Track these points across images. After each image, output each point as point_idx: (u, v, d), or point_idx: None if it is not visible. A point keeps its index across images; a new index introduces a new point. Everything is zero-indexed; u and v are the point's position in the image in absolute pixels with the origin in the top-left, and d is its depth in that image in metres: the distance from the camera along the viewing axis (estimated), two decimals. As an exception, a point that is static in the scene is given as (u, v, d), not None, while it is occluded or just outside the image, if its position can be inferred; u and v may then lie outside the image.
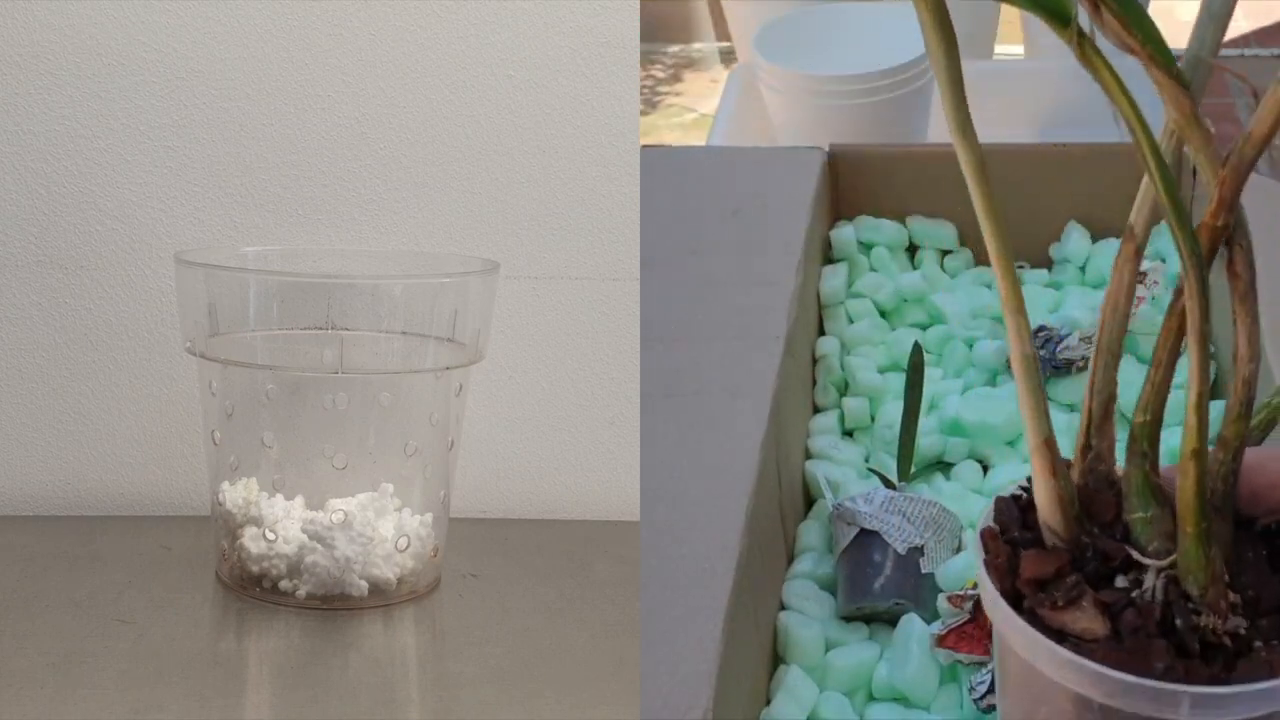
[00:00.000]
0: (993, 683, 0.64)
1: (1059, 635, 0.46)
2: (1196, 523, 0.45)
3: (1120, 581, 0.47)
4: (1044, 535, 0.49)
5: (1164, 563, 0.46)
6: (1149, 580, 0.46)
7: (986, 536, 0.49)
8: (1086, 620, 0.46)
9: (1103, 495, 0.48)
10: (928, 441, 0.83)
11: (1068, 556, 0.47)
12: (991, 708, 0.64)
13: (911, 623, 0.69)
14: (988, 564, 0.49)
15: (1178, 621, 0.45)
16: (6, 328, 0.88)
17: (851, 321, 0.95)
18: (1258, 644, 0.45)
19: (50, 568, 0.78)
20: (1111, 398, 0.49)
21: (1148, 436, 0.48)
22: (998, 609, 0.47)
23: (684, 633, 0.60)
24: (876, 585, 0.71)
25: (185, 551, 0.81)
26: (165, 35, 0.86)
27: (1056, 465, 0.48)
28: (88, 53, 0.85)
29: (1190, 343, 0.45)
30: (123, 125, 0.86)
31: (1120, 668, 0.44)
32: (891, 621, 0.72)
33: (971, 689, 0.65)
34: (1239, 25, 2.08)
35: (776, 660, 0.70)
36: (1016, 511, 0.50)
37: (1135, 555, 0.47)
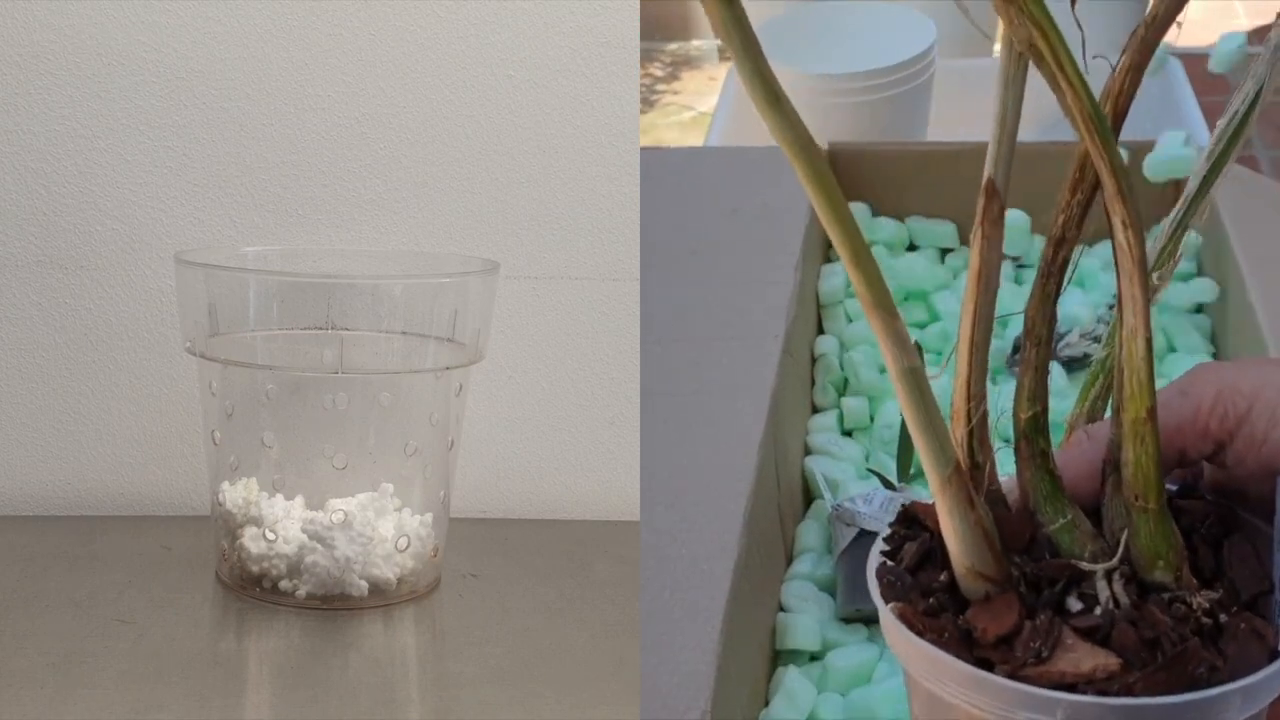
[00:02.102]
0: None
1: (1064, 688, 0.40)
2: (1158, 496, 0.41)
3: (1074, 604, 0.42)
4: (962, 585, 0.43)
5: (1113, 563, 0.42)
6: (1103, 589, 0.41)
7: (909, 616, 0.43)
8: (1091, 659, 0.40)
9: (1009, 517, 0.43)
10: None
11: (1014, 596, 0.42)
12: None
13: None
14: (938, 644, 0.42)
15: (1159, 613, 0.41)
16: (6, 328, 0.88)
17: (851, 321, 0.95)
18: (1223, 617, 0.41)
19: (50, 568, 0.78)
20: (984, 400, 0.43)
21: (1040, 431, 0.42)
22: (1007, 688, 0.40)
23: (684, 633, 0.60)
24: (876, 586, 0.71)
25: (185, 551, 0.81)
26: (165, 35, 0.86)
27: (973, 495, 0.41)
28: (88, 53, 0.85)
29: (1125, 282, 0.39)
30: (123, 125, 0.86)
31: (1167, 689, 0.39)
32: (891, 622, 0.72)
33: None
34: (1240, 24, 2.08)
35: (775, 661, 0.70)
36: (907, 576, 0.44)
37: (1084, 566, 0.42)
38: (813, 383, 0.90)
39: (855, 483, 0.80)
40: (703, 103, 2.12)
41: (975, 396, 0.43)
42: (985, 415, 0.43)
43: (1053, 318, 0.43)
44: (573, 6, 0.89)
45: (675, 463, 0.71)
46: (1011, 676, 0.40)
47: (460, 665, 0.68)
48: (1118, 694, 0.39)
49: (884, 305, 0.38)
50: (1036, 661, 0.40)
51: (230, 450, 0.77)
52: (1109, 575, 0.41)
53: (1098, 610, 0.41)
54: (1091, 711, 0.39)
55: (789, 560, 0.77)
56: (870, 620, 0.72)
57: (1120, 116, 0.41)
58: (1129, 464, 0.41)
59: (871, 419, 0.88)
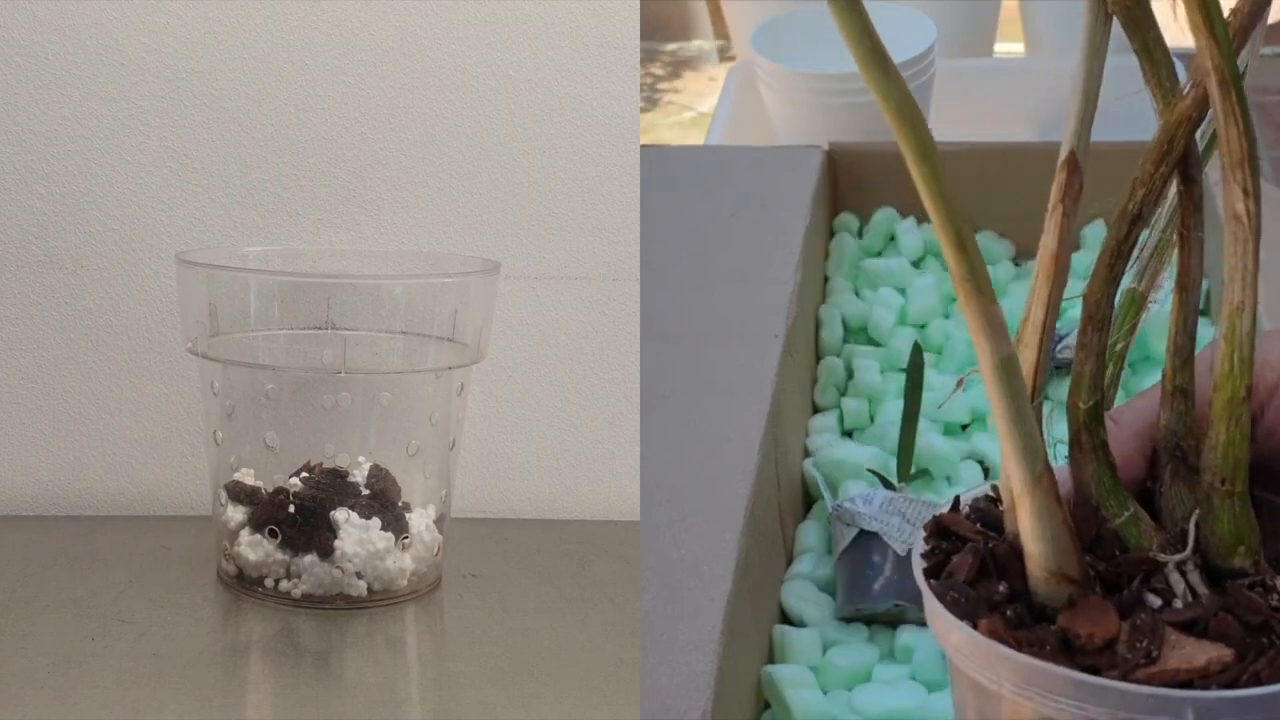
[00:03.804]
0: None
1: (1179, 686, 0.38)
2: (1244, 479, 0.39)
3: (1152, 599, 0.40)
4: (1042, 590, 0.41)
5: (1188, 554, 0.40)
6: (1177, 581, 0.40)
7: (1000, 632, 0.40)
8: (1203, 652, 0.38)
9: (1077, 514, 0.41)
10: (925, 441, 0.83)
11: (1102, 599, 0.40)
12: None
13: (917, 638, 0.69)
14: (1041, 656, 0.40)
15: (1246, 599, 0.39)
16: (6, 328, 0.88)
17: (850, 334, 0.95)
18: None
19: (50, 568, 0.78)
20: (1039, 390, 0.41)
21: (1100, 421, 0.41)
22: (1130, 693, 0.38)
23: (684, 633, 0.60)
24: (876, 586, 0.71)
25: (185, 551, 0.81)
26: (165, 35, 0.86)
27: (1059, 495, 0.40)
28: (88, 53, 0.85)
29: (1239, 253, 0.37)
30: (123, 125, 0.86)
31: None
32: (891, 623, 0.72)
33: None
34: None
35: (776, 660, 0.70)
36: (969, 590, 0.42)
37: (1161, 558, 0.40)
38: (813, 382, 0.90)
39: (855, 483, 0.80)
40: (703, 103, 2.12)
41: (1040, 389, 0.41)
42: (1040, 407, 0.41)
43: (1113, 301, 0.41)
44: (573, 6, 0.89)
45: (675, 463, 0.71)
46: (1124, 680, 0.39)
47: (460, 665, 0.68)
48: (1245, 684, 0.38)
49: (984, 290, 0.37)
50: (1147, 662, 0.38)
51: (231, 450, 0.77)
52: (1181, 566, 0.40)
53: (1177, 603, 0.40)
54: (1222, 706, 0.38)
55: (789, 560, 0.77)
56: (870, 620, 0.72)
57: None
58: (1217, 446, 0.40)
59: (872, 419, 0.88)
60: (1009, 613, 0.41)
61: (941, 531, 0.45)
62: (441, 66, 0.89)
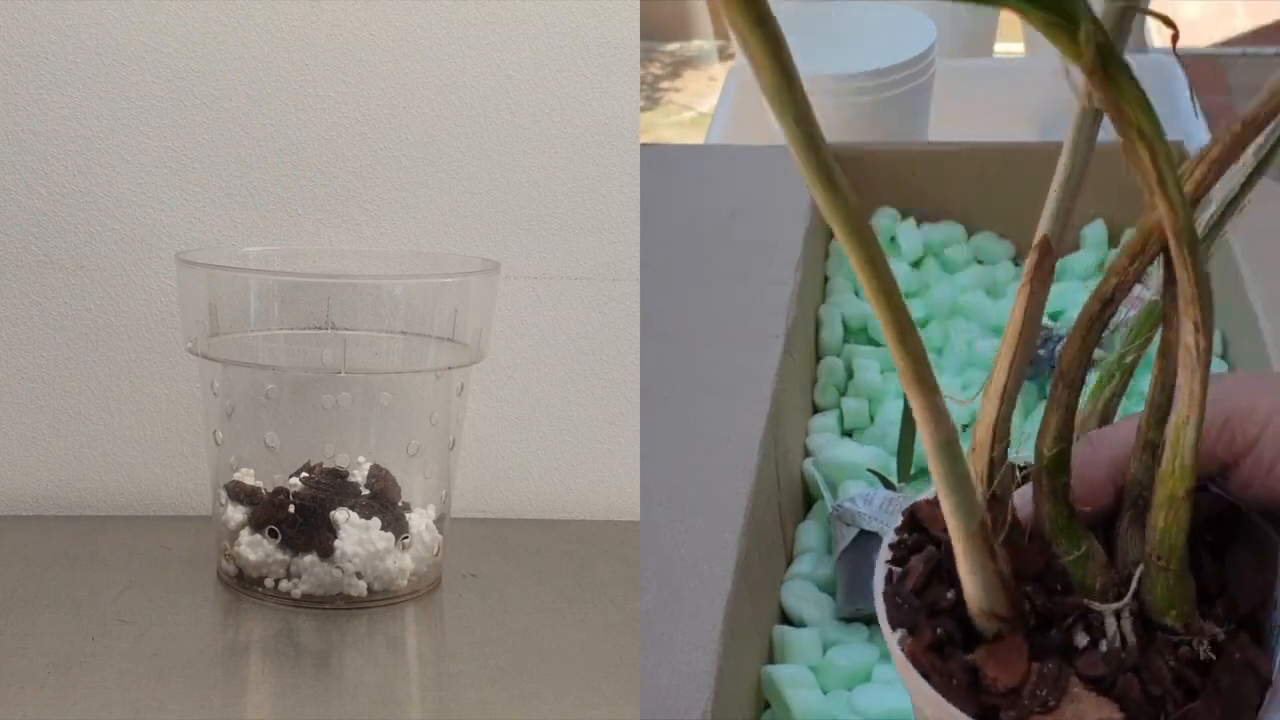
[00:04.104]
0: None
1: None
2: (1180, 561, 0.41)
3: (1081, 638, 0.41)
4: (975, 620, 0.42)
5: (1124, 603, 0.41)
6: (1110, 624, 0.41)
7: (917, 654, 0.42)
8: (1096, 710, 0.40)
9: (1025, 548, 0.42)
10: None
11: (1022, 640, 0.41)
12: None
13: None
14: (943, 689, 0.41)
15: (1167, 657, 0.41)
16: (6, 328, 0.88)
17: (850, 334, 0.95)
18: (1220, 634, 0.41)
19: (50, 568, 0.78)
20: (1008, 440, 0.43)
21: (1062, 467, 0.42)
22: None
23: (684, 633, 0.60)
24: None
25: (185, 551, 0.81)
26: (165, 35, 0.86)
27: (994, 548, 0.41)
28: (88, 53, 0.85)
29: (1186, 377, 0.39)
30: (123, 125, 0.86)
31: None
32: (891, 622, 0.72)
33: None
34: (1240, 24, 2.08)
35: (776, 660, 0.70)
36: (914, 599, 0.44)
37: (1095, 606, 0.41)
38: (813, 382, 0.90)
39: (855, 483, 0.80)
40: (703, 103, 2.12)
41: (1000, 437, 0.42)
42: (1005, 455, 0.42)
43: (1088, 365, 0.42)
44: (573, 6, 0.89)
45: (675, 463, 0.71)
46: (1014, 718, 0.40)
47: (460, 665, 0.68)
48: None
49: (924, 380, 0.38)
50: (1043, 711, 0.40)
51: (231, 450, 0.77)
52: (1117, 614, 0.41)
53: (1103, 645, 0.41)
54: None
55: (789, 560, 0.77)
56: (870, 620, 0.72)
57: (1194, 202, 0.40)
58: (1155, 528, 0.41)
59: (872, 419, 0.88)
60: (939, 630, 0.42)
61: (914, 524, 0.46)
62: (441, 66, 0.89)
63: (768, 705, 0.68)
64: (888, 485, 0.79)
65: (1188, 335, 0.39)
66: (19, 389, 0.88)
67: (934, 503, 0.44)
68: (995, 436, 0.42)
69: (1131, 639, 0.41)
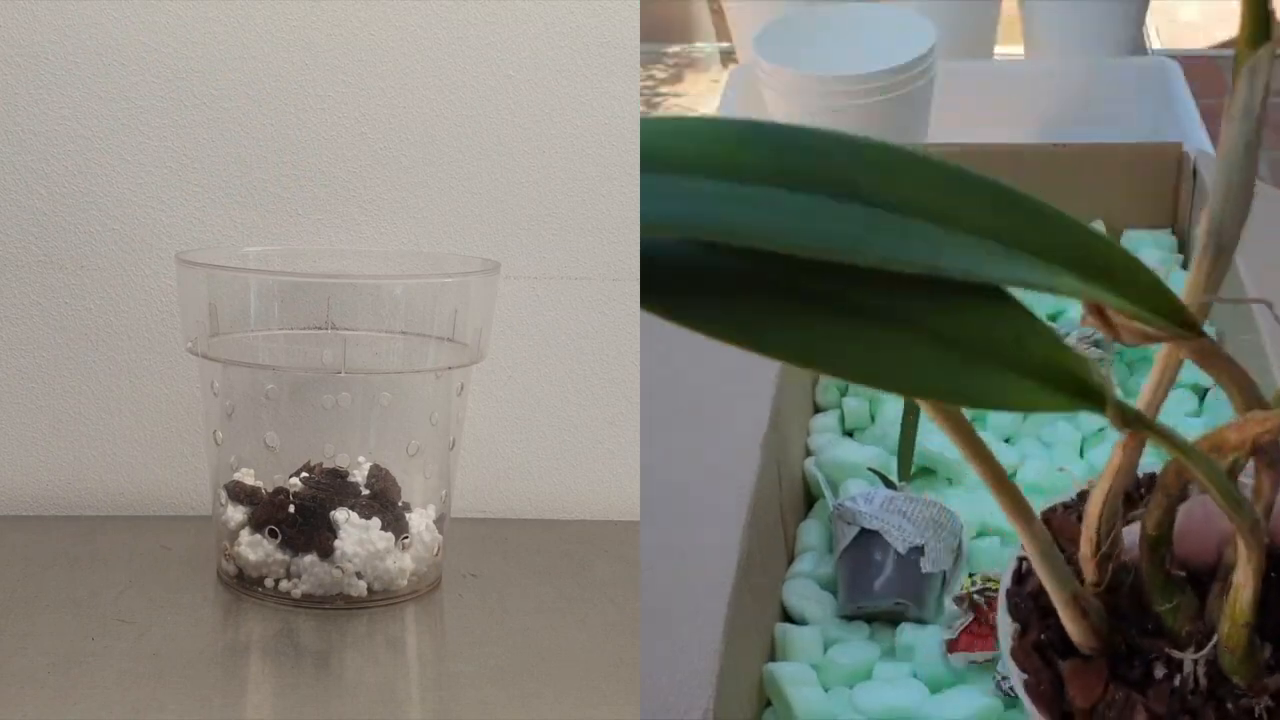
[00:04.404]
0: None
1: None
2: (1245, 648, 0.46)
3: (1159, 670, 0.47)
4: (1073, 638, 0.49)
5: (1203, 653, 0.47)
6: (1188, 667, 0.47)
7: (1019, 656, 0.49)
8: None
9: (1124, 597, 0.49)
10: (925, 441, 0.83)
11: (1106, 669, 0.47)
12: None
13: (917, 636, 0.69)
14: (1031, 692, 0.48)
15: (1229, 706, 0.46)
16: (6, 328, 0.88)
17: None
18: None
19: (50, 568, 0.78)
20: (1115, 534, 0.49)
21: (1164, 543, 0.48)
22: None
23: (684, 633, 0.60)
24: (877, 585, 0.71)
25: (185, 551, 0.81)
26: (165, 35, 0.86)
27: (1086, 608, 0.48)
28: (88, 53, 0.85)
29: (1242, 576, 0.45)
30: (123, 125, 0.86)
31: None
32: (892, 621, 0.72)
33: (1003, 679, 0.65)
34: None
35: (777, 659, 0.70)
36: (1030, 600, 0.50)
37: (1174, 654, 0.47)
38: (814, 383, 0.90)
39: (856, 482, 0.80)
40: (704, 105, 2.12)
41: (1102, 538, 0.48)
42: (1115, 539, 0.48)
43: (1185, 487, 0.47)
44: (573, 6, 0.89)
45: (675, 463, 0.71)
46: None
47: (460, 665, 0.68)
48: None
49: (1025, 513, 0.46)
50: None
51: (231, 450, 0.77)
52: (1194, 662, 0.47)
53: (1176, 680, 0.47)
54: None
55: (790, 559, 0.77)
56: (871, 618, 0.72)
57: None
58: (1222, 632, 0.46)
59: (873, 418, 0.88)
60: (1043, 635, 0.49)
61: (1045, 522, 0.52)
62: (441, 66, 0.89)
63: (769, 704, 0.68)
64: (888, 484, 0.79)
65: (1242, 570, 0.45)
66: (19, 389, 0.88)
67: (1067, 511, 0.51)
68: (1099, 538, 0.48)
69: (1203, 683, 0.47)
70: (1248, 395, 0.43)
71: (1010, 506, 0.45)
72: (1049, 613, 0.48)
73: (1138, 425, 0.41)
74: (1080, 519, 0.49)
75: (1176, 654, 0.47)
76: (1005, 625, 0.50)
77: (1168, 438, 0.41)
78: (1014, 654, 0.49)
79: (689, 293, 0.36)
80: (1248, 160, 0.41)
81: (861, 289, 0.36)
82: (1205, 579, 0.49)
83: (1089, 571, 0.48)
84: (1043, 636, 0.49)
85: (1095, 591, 0.48)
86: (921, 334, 0.37)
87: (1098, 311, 0.39)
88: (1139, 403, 0.46)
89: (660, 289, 0.35)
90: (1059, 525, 0.51)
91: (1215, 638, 0.46)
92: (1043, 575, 0.47)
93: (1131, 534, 0.48)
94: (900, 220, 0.36)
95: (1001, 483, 0.45)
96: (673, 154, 0.35)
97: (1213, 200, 0.42)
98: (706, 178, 0.35)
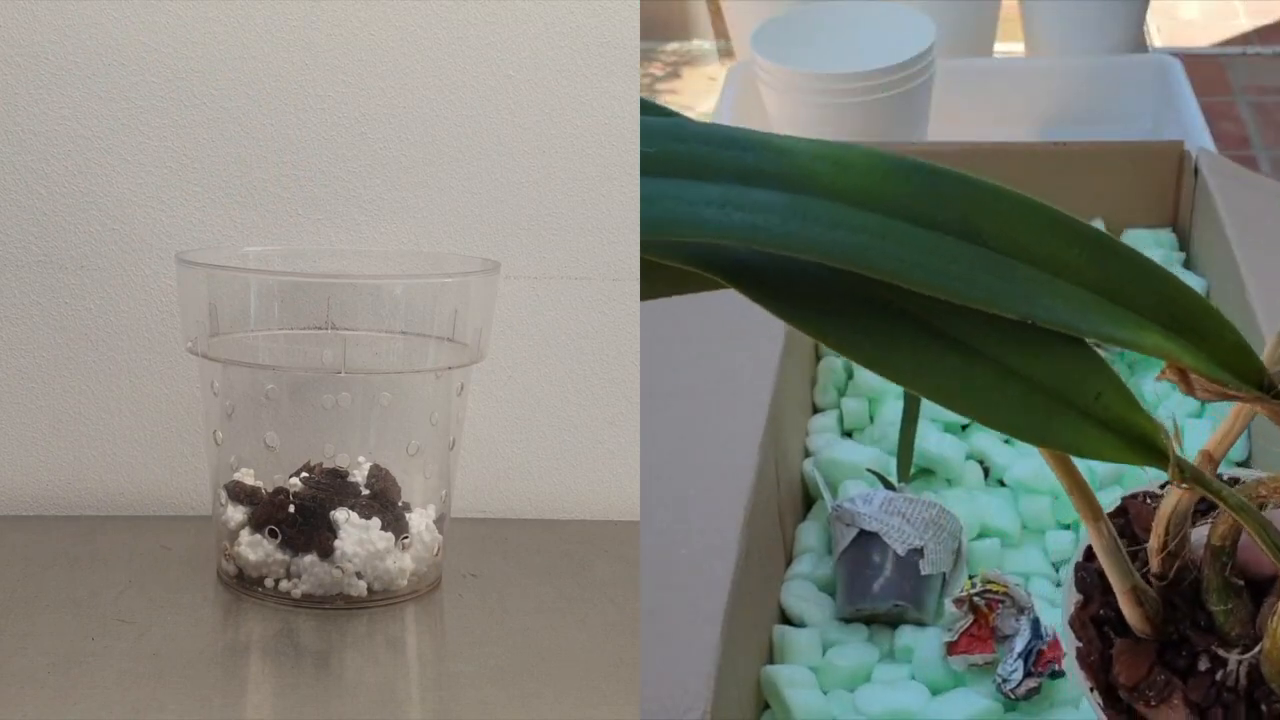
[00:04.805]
0: (1025, 672, 0.65)
1: None
2: None
3: (1203, 663, 0.50)
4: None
5: (1248, 656, 0.49)
6: (1232, 665, 0.49)
7: (1076, 625, 0.52)
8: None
9: (1182, 593, 0.51)
10: (925, 442, 0.83)
11: (1154, 652, 0.50)
12: (1029, 693, 0.66)
13: (918, 639, 0.69)
14: (1081, 661, 0.51)
15: (1262, 707, 0.48)
16: (6, 328, 0.88)
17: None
18: None
19: (50, 568, 0.78)
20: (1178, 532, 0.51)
21: (1229, 554, 0.50)
22: (1097, 713, 0.52)
23: (684, 633, 0.60)
24: (876, 587, 0.71)
25: (185, 551, 0.81)
26: (165, 35, 0.86)
27: (1142, 599, 0.50)
28: (88, 53, 0.85)
29: None
30: (123, 125, 0.86)
31: None
32: (891, 623, 0.72)
33: (1003, 681, 0.65)
34: (1240, 24, 2.08)
35: (776, 660, 0.70)
36: (1097, 579, 0.52)
37: (1220, 653, 0.50)
38: (814, 383, 0.90)
39: (855, 483, 0.80)
40: (703, 103, 2.11)
41: (1173, 538, 0.50)
42: (1183, 540, 0.50)
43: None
44: (573, 6, 0.89)
45: (675, 463, 0.71)
46: (1126, 702, 0.51)
47: (460, 665, 0.69)
48: None
49: (1098, 516, 0.49)
50: (1145, 704, 0.50)
51: (231, 450, 0.77)
52: (1239, 662, 0.49)
53: (1219, 675, 0.49)
54: None
55: (789, 560, 0.77)
56: (870, 620, 0.72)
57: None
58: (1265, 649, 0.48)
59: (871, 419, 0.88)
60: (1102, 611, 0.52)
61: (1123, 512, 0.54)
62: (441, 66, 0.89)
63: (767, 705, 0.68)
64: (887, 485, 0.79)
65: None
66: (19, 389, 0.88)
67: (1148, 501, 0.54)
68: (1167, 537, 0.50)
69: (1242, 683, 0.49)
70: None
71: (1081, 504, 0.48)
72: (1110, 590, 0.51)
73: (1195, 483, 0.44)
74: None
75: (1222, 652, 0.49)
76: (1070, 595, 0.53)
77: (1222, 497, 0.44)
78: (1071, 623, 0.52)
79: (832, 314, 0.40)
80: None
81: (969, 326, 0.41)
82: (1263, 587, 0.50)
83: (1155, 564, 0.50)
84: (1101, 612, 0.52)
85: (1157, 584, 0.50)
86: (1016, 377, 0.41)
87: (1178, 369, 0.42)
88: (1211, 442, 0.49)
89: (804, 307, 0.40)
90: (1137, 512, 0.54)
91: (1261, 645, 0.48)
92: (1106, 568, 0.50)
93: (1200, 534, 0.50)
94: (1009, 264, 0.40)
95: (1074, 480, 0.48)
96: (827, 182, 0.39)
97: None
98: (853, 207, 0.39)
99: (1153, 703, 0.49)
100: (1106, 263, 0.41)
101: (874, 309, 0.40)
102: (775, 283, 0.40)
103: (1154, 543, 0.50)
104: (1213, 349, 0.42)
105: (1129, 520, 0.54)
